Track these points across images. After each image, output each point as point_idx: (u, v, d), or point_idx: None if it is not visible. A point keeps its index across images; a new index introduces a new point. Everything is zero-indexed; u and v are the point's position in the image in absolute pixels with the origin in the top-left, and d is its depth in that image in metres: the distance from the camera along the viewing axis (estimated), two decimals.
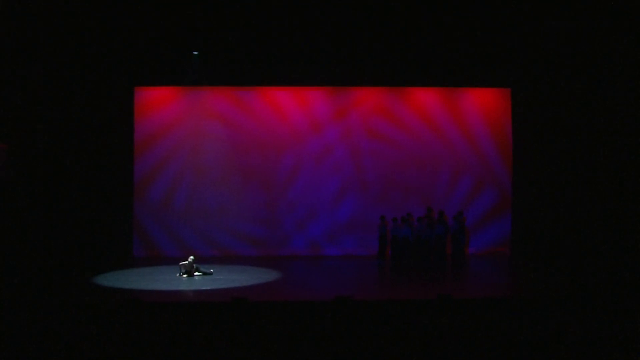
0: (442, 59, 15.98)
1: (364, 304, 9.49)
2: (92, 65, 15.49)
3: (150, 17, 14.15)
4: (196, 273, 13.58)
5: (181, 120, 16.83)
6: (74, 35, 14.45)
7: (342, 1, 14.13)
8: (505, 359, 7.61)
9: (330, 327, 8.24)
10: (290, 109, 17.11)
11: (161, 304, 10.08)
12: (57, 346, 7.75)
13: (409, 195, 17.01)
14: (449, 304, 8.72)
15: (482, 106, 17.23)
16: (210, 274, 13.60)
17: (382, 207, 16.72)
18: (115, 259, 15.61)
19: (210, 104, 16.93)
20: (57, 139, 15.19)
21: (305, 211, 16.99)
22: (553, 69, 15.67)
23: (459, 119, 17.15)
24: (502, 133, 17.11)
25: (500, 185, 17.09)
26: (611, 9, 13.44)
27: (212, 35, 14.93)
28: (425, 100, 17.27)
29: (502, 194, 17.06)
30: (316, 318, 8.66)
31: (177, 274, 13.49)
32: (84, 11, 13.73)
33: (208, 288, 12.36)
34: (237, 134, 16.92)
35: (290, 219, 16.97)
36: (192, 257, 13.85)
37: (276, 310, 9.26)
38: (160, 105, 16.86)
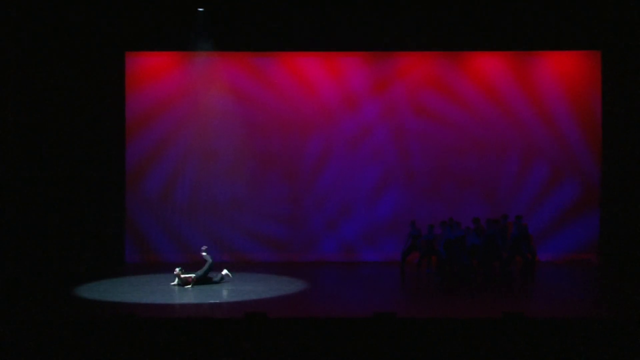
0: (509, 15, 15.71)
1: (409, 323, 9.42)
2: (71, 24, 15.59)
3: None
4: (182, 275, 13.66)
5: (184, 94, 16.92)
6: None
7: None
8: None
9: (367, 350, 8.20)
10: (318, 81, 17.11)
11: (160, 320, 10.15)
12: None
13: (467, 188, 16.92)
14: (519, 324, 8.59)
15: (562, 75, 16.96)
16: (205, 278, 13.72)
17: (432, 203, 16.70)
18: (104, 265, 15.81)
19: (220, 74, 16.99)
20: (31, 118, 15.37)
21: (337, 207, 17.03)
22: None
23: (532, 91, 16.94)
24: (588, 109, 16.84)
25: (585, 175, 16.85)
26: None
27: None
28: (488, 68, 17.09)
29: (588, 186, 16.82)
30: (350, 339, 8.62)
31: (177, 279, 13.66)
32: None
33: (217, 301, 12.43)
34: (254, 112, 16.97)
35: (319, 217, 17.03)
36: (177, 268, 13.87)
37: (301, 329, 9.24)
38: (157, 75, 16.98)
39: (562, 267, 16.16)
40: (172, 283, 13.66)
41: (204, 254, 13.96)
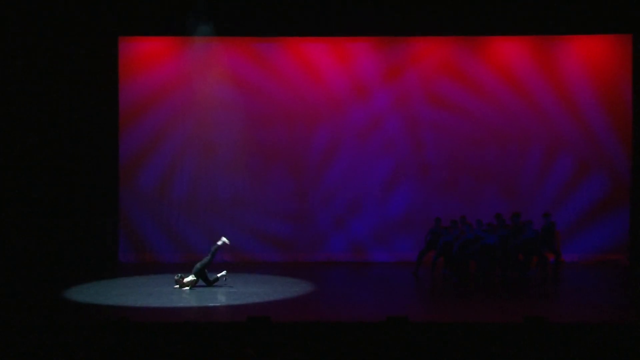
0: None
1: (423, 327, 9.41)
2: (60, 7, 15.59)
3: None
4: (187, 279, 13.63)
5: (181, 82, 16.95)
6: None
7: None
8: None
9: (378, 357, 8.19)
10: (326, 68, 17.13)
11: (157, 324, 10.18)
12: None
13: (486, 183, 16.93)
14: (541, 329, 8.57)
15: (589, 61, 16.90)
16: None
17: (447, 199, 16.70)
18: (96, 265, 15.84)
19: (221, 60, 16.98)
20: (17, 108, 15.37)
21: (345, 204, 17.06)
22: None
23: (556, 79, 16.89)
24: (617, 98, 16.76)
25: (615, 169, 16.82)
26: None
27: None
28: (509, 54, 17.07)
29: (617, 181, 16.78)
30: (360, 344, 8.62)
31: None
32: None
33: (217, 304, 12.47)
34: (256, 102, 16.99)
35: (326, 214, 17.07)
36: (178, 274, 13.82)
37: (307, 334, 9.25)
38: (153, 62, 17.01)
39: (589, 269, 16.12)
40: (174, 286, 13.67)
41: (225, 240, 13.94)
